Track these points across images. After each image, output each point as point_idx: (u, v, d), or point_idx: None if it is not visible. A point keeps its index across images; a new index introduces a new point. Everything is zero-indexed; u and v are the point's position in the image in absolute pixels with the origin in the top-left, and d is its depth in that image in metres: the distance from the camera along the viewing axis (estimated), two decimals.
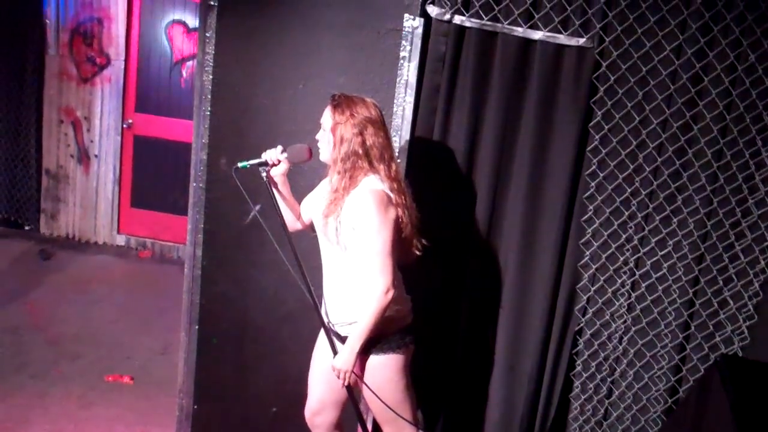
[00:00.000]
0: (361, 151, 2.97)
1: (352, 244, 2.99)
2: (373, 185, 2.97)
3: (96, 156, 7.14)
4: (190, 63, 6.85)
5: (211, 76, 3.65)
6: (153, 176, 7.18)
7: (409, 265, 3.18)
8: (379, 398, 3.11)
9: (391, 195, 2.98)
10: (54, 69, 7.01)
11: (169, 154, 7.03)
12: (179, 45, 6.90)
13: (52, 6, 6.86)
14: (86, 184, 7.22)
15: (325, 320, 3.17)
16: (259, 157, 3.12)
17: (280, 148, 3.13)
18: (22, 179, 7.22)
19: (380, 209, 2.92)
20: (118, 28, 6.84)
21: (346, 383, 3.03)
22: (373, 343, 3.06)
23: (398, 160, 3.20)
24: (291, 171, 3.29)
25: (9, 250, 6.84)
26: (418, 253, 3.12)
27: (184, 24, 6.86)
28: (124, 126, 7.05)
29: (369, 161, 2.99)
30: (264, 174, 3.10)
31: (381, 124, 3.02)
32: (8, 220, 7.33)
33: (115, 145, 7.10)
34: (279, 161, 3.12)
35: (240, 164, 3.11)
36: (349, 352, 2.99)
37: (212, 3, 3.58)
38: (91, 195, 7.23)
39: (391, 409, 3.13)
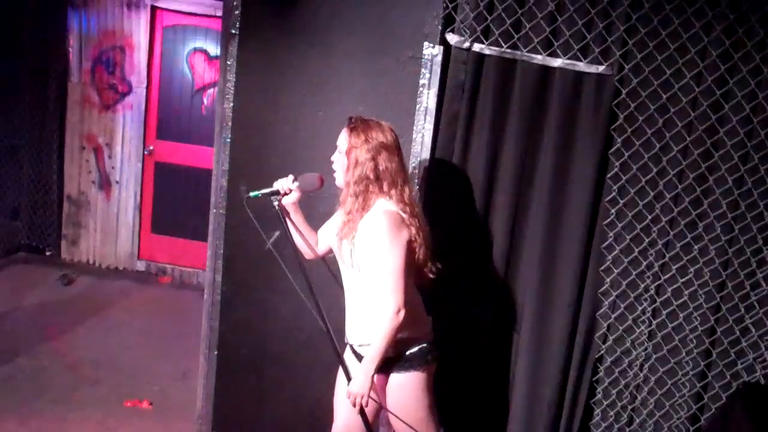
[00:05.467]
0: (372, 176, 2.99)
1: (366, 265, 3.00)
2: (387, 207, 2.99)
3: (117, 182, 7.19)
4: (210, 90, 6.90)
5: (231, 104, 3.68)
6: (173, 202, 7.21)
7: (424, 287, 3.18)
8: (399, 419, 3.11)
9: (404, 216, 2.99)
10: (76, 96, 7.07)
11: (189, 181, 7.07)
12: (200, 73, 6.95)
13: (75, 34, 6.94)
14: (107, 210, 7.26)
15: (347, 341, 3.19)
16: (271, 186, 3.15)
17: (291, 177, 3.16)
18: (44, 205, 7.27)
19: (392, 229, 2.94)
20: (140, 56, 6.90)
21: (359, 407, 3.01)
22: (394, 362, 3.07)
23: (414, 185, 3.22)
24: (310, 197, 3.31)
25: (30, 276, 6.87)
26: (431, 276, 3.13)
27: (205, 52, 6.92)
28: (145, 152, 7.10)
29: (381, 185, 3.01)
30: (276, 203, 3.13)
31: (395, 149, 3.05)
32: (30, 246, 7.37)
33: (136, 171, 7.15)
34: (290, 190, 3.15)
35: (251, 194, 3.13)
36: (364, 375, 2.98)
37: (233, 32, 3.62)
38: (112, 221, 7.27)
39: (413, 428, 3.12)
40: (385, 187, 3.01)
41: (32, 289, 6.51)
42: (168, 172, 7.17)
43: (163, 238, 7.30)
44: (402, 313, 2.93)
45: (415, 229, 3.02)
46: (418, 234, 3.03)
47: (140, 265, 7.33)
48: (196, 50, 6.96)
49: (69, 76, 7.04)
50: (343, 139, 3.07)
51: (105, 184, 7.21)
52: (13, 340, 5.44)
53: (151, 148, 7.10)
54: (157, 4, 6.81)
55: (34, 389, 4.82)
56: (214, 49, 6.84)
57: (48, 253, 7.36)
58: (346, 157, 3.05)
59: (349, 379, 3.07)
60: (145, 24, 6.84)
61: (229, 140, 3.73)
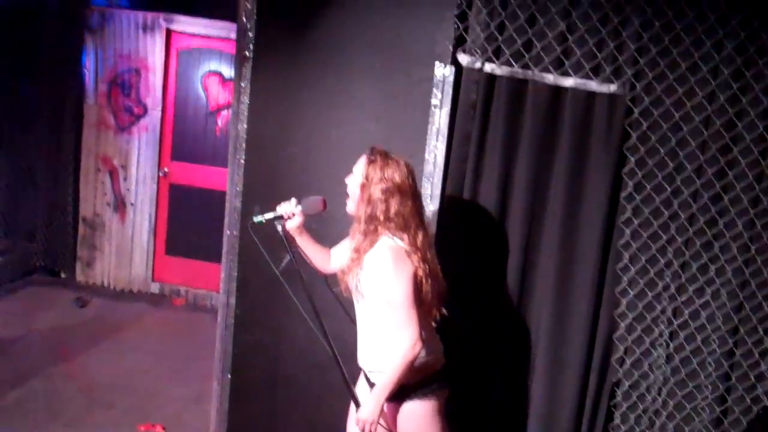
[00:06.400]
0: (382, 218, 2.96)
1: (373, 297, 3.00)
2: (392, 242, 2.96)
3: (132, 204, 7.21)
4: (225, 112, 6.93)
5: (245, 125, 3.70)
6: (188, 224, 7.23)
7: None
8: None
9: (410, 251, 2.95)
10: (92, 118, 7.11)
11: (203, 202, 7.08)
12: (215, 94, 6.99)
13: (92, 57, 6.99)
14: (122, 232, 7.28)
15: (359, 365, 3.19)
16: (275, 210, 3.14)
17: (294, 201, 3.16)
18: (60, 227, 7.28)
19: (396, 262, 2.91)
20: (156, 78, 6.95)
21: None
22: (405, 390, 3.03)
23: (428, 227, 3.18)
24: (324, 218, 3.31)
25: (45, 298, 6.88)
26: (434, 324, 3.10)
27: (219, 74, 6.95)
28: (160, 174, 7.12)
29: (391, 228, 2.98)
30: (280, 227, 3.12)
31: (410, 192, 3.00)
32: (45, 268, 7.38)
33: (151, 193, 7.17)
34: (294, 214, 3.15)
35: (255, 219, 3.14)
36: (374, 403, 2.97)
37: (247, 54, 3.64)
38: (127, 243, 7.28)
39: None
40: (396, 231, 2.98)
41: (47, 311, 6.52)
42: (182, 193, 7.19)
43: (177, 260, 7.31)
44: (418, 346, 2.92)
45: (422, 270, 2.97)
46: (427, 279, 2.98)
47: (154, 287, 7.33)
48: (210, 72, 7.00)
49: (85, 98, 7.09)
50: (360, 169, 3.04)
51: (120, 206, 7.23)
52: (27, 363, 5.44)
53: (166, 169, 7.13)
54: (172, 27, 6.87)
55: (48, 412, 4.81)
56: (228, 71, 6.88)
57: (63, 276, 7.38)
58: (360, 189, 3.02)
59: (358, 405, 3.05)
60: (161, 47, 6.89)
61: (243, 161, 3.74)
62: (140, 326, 6.52)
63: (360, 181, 3.01)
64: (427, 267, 2.98)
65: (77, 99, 7.08)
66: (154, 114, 7.02)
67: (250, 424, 3.97)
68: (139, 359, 5.80)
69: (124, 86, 7.03)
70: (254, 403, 3.96)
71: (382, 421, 3.01)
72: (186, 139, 7.11)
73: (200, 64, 6.99)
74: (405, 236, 2.97)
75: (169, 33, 6.90)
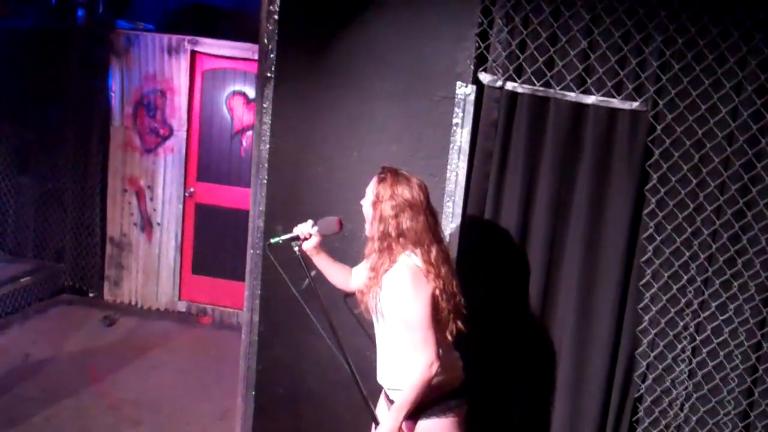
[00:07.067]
0: (395, 234, 2.97)
1: (391, 316, 3.01)
2: (409, 262, 2.97)
3: (158, 224, 7.28)
4: (249, 132, 6.97)
5: (268, 145, 3.74)
6: (213, 243, 7.28)
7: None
8: None
9: (428, 274, 2.96)
10: (118, 140, 7.20)
11: (229, 222, 7.13)
12: (239, 115, 7.05)
13: (117, 79, 7.08)
14: (149, 251, 7.35)
15: (378, 382, 3.19)
16: (292, 231, 3.19)
17: (310, 222, 3.20)
18: (87, 247, 7.37)
19: (414, 283, 2.92)
20: (181, 99, 7.02)
21: None
22: (422, 408, 3.03)
23: (443, 241, 3.16)
24: (346, 237, 3.33)
25: (73, 317, 6.96)
26: (450, 338, 3.08)
27: (244, 95, 7.01)
28: (186, 194, 7.18)
29: (404, 244, 2.98)
30: (296, 248, 3.16)
31: (422, 208, 2.99)
32: (73, 287, 7.47)
33: (177, 213, 7.23)
34: (311, 235, 3.19)
35: (272, 240, 3.21)
36: (391, 421, 2.98)
37: (269, 75, 3.68)
38: (154, 262, 7.35)
39: None
40: (409, 246, 2.99)
41: (75, 330, 6.59)
42: (208, 213, 7.25)
43: (203, 279, 7.36)
44: (435, 366, 2.91)
45: (438, 289, 2.97)
46: (442, 296, 2.98)
47: (181, 306, 7.38)
48: (235, 93, 7.06)
49: (111, 120, 7.18)
50: (371, 188, 3.07)
51: (146, 226, 7.30)
52: (56, 381, 5.50)
53: (192, 190, 7.19)
54: (197, 49, 6.95)
55: (76, 429, 4.87)
56: (252, 92, 6.93)
57: (91, 295, 7.46)
58: (372, 208, 3.05)
59: (377, 423, 3.07)
60: (186, 68, 6.97)
61: (265, 181, 3.77)
62: (167, 344, 6.57)
63: (371, 200, 3.05)
64: (442, 283, 2.98)
65: (104, 121, 7.17)
66: (180, 135, 7.09)
67: None
68: (165, 377, 5.85)
69: (149, 108, 7.11)
70: (278, 419, 3.98)
71: None
72: (211, 159, 7.17)
73: (225, 85, 7.05)
74: (418, 251, 2.98)
75: (194, 54, 6.97)
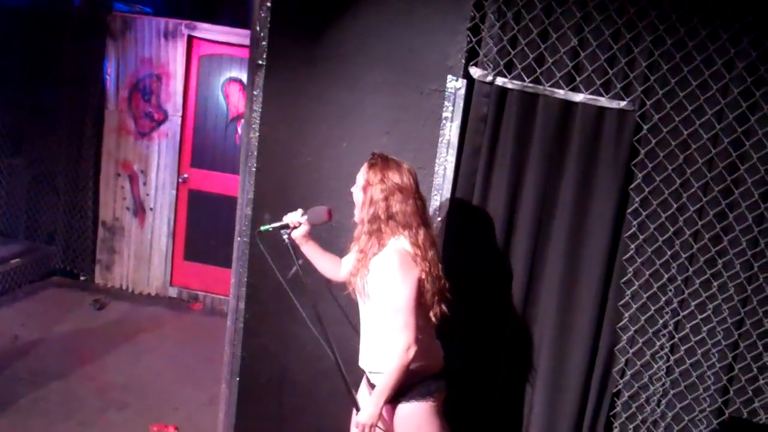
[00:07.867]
0: (384, 216, 3.03)
1: (377, 299, 3.06)
2: (398, 245, 3.03)
3: (151, 209, 7.28)
4: None
5: (257, 133, 3.75)
6: (206, 230, 7.27)
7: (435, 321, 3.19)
8: None
9: (416, 257, 3.02)
10: (113, 123, 7.18)
11: (222, 209, 7.11)
12: (235, 102, 7.04)
13: (113, 63, 7.06)
14: (141, 236, 7.35)
15: (360, 366, 3.24)
16: (281, 220, 3.24)
17: (300, 211, 3.26)
18: (79, 230, 7.37)
19: (402, 267, 2.98)
20: (176, 84, 7.01)
21: None
22: (402, 392, 3.08)
23: (431, 226, 3.21)
24: (334, 227, 3.36)
25: (64, 299, 6.97)
26: (434, 320, 3.14)
27: (240, 82, 6.99)
28: (180, 180, 7.18)
29: (394, 226, 3.04)
30: (286, 237, 3.21)
31: (411, 192, 3.06)
32: (64, 270, 7.47)
33: (170, 198, 7.23)
34: (300, 223, 3.24)
35: (262, 228, 3.28)
36: (372, 406, 3.03)
37: (260, 62, 3.69)
38: (146, 247, 7.36)
39: None
40: (399, 228, 3.05)
41: (66, 313, 6.61)
42: (201, 200, 7.25)
43: (195, 265, 7.37)
44: (412, 350, 2.97)
45: (425, 272, 3.03)
46: (427, 278, 3.04)
47: (172, 292, 7.40)
48: (231, 80, 7.05)
49: (106, 103, 7.15)
50: (362, 174, 3.13)
51: (139, 210, 7.30)
52: (45, 363, 5.53)
53: (186, 175, 7.19)
54: (193, 34, 6.92)
55: (63, 411, 4.90)
56: None
57: (82, 278, 7.47)
58: (363, 192, 3.10)
59: (358, 409, 3.11)
60: (182, 53, 6.95)
61: (254, 169, 3.79)
62: (157, 329, 6.59)
63: (362, 184, 3.11)
64: (428, 265, 3.04)
65: (98, 104, 7.15)
66: (175, 120, 7.08)
67: (257, 428, 4.02)
68: (154, 362, 5.87)
69: (145, 92, 7.10)
70: (261, 406, 4.00)
71: (380, 424, 3.07)
72: (206, 145, 7.16)
73: (221, 71, 7.04)
74: (407, 233, 3.04)
75: (190, 39, 6.95)
